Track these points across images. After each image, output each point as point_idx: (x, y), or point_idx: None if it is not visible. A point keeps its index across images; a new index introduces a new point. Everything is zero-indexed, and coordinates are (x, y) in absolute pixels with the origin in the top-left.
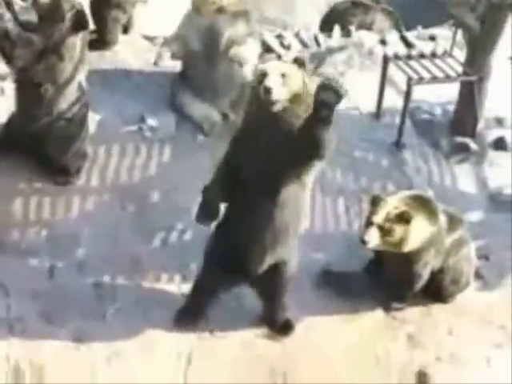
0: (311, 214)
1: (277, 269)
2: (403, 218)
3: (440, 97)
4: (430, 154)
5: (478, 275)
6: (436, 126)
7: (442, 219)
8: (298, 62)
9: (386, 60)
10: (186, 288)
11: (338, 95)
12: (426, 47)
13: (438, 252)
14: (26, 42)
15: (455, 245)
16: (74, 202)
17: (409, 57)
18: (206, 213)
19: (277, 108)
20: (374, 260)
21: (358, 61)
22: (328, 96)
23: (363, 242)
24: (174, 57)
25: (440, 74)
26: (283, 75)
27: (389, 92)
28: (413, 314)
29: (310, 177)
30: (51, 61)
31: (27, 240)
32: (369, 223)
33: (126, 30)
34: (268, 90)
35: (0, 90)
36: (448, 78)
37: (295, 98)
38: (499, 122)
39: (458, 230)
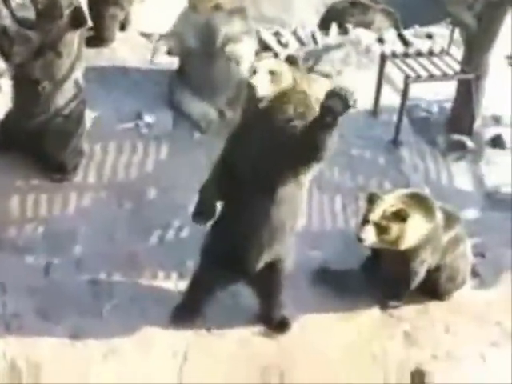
0: (308, 212)
1: (273, 266)
2: (400, 216)
3: (437, 95)
4: (427, 151)
5: (475, 273)
6: (433, 124)
7: (439, 217)
8: (290, 60)
9: (383, 58)
10: (183, 285)
11: (346, 105)
12: (424, 45)
13: (434, 250)
14: (24, 39)
15: (452, 242)
16: (71, 199)
17: (406, 55)
18: (202, 212)
19: (262, 105)
20: (370, 258)
21: (355, 59)
22: (335, 103)
23: (359, 240)
24: (170, 53)
25: (437, 72)
26: (272, 73)
27: (386, 90)
28: (409, 311)
29: (308, 176)
30: (49, 57)
31: (24, 237)
32: (365, 221)
33: (123, 27)
34: (252, 87)
35: None
36: (445, 76)
37: (283, 96)
38: (496, 120)
39: (454, 228)
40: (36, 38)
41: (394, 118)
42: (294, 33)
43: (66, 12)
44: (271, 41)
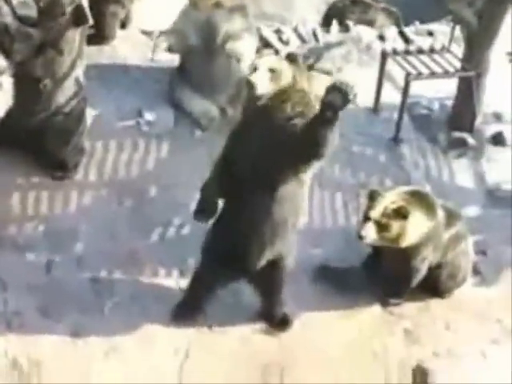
0: (309, 209)
1: (275, 264)
2: (400, 213)
3: (438, 92)
4: (428, 148)
5: (476, 270)
6: (434, 121)
7: (440, 214)
8: (290, 58)
9: (384, 55)
10: (184, 283)
11: (346, 99)
12: (424, 42)
13: (435, 247)
14: (25, 37)
15: (453, 240)
16: (72, 196)
17: (407, 52)
18: (204, 210)
19: (261, 103)
20: (371, 255)
21: (356, 56)
22: (335, 98)
23: (360, 237)
24: (170, 50)
25: (438, 70)
26: (271, 70)
27: (387, 87)
28: (410, 309)
29: (309, 174)
30: (50, 55)
31: (25, 234)
32: (366, 218)
33: (124, 25)
34: (251, 85)
35: None
36: (446, 74)
37: (282, 94)
38: (497, 117)
39: (455, 225)
40: (37, 35)
41: (395, 115)
42: (295, 30)
43: (68, 10)
44: (272, 38)
